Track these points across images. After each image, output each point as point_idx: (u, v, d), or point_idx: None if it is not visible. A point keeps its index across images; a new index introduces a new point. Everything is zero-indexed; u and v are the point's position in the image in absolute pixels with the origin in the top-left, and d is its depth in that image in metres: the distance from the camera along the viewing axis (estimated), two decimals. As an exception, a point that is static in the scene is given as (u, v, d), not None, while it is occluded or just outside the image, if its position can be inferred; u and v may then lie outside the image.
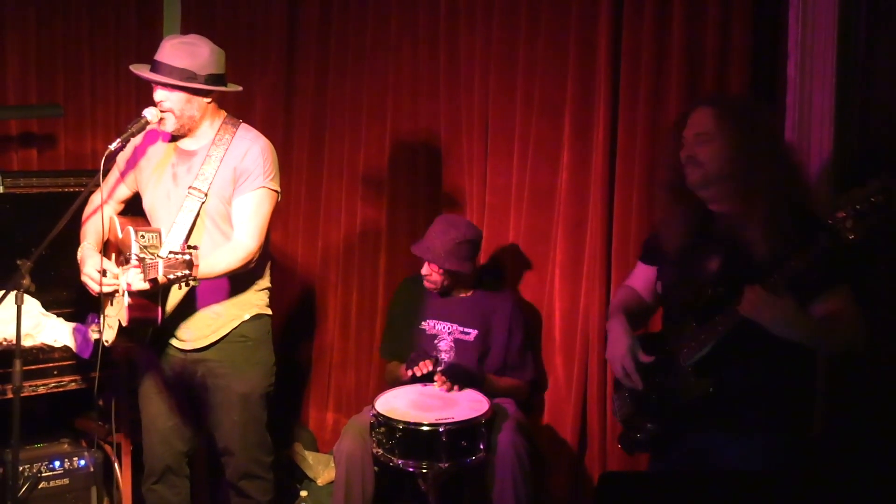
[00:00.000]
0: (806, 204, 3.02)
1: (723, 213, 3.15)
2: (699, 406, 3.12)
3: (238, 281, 3.93)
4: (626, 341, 3.31)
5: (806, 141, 3.71)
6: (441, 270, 4.43)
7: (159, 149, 3.94)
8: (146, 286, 3.49)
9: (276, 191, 3.89)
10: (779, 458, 3.06)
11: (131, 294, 3.62)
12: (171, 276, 3.32)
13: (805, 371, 3.10)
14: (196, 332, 3.95)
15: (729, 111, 3.11)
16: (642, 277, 3.54)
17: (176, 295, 3.85)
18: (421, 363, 4.34)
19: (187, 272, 3.30)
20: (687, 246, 3.25)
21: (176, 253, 3.31)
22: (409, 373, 4.35)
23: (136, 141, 3.91)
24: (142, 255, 3.43)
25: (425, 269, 4.47)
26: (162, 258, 3.34)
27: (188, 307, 3.91)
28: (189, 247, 3.34)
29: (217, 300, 3.93)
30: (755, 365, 3.06)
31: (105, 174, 3.90)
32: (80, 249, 3.93)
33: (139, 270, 3.45)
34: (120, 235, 3.84)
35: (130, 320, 3.65)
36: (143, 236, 3.64)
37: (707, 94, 3.88)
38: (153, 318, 3.71)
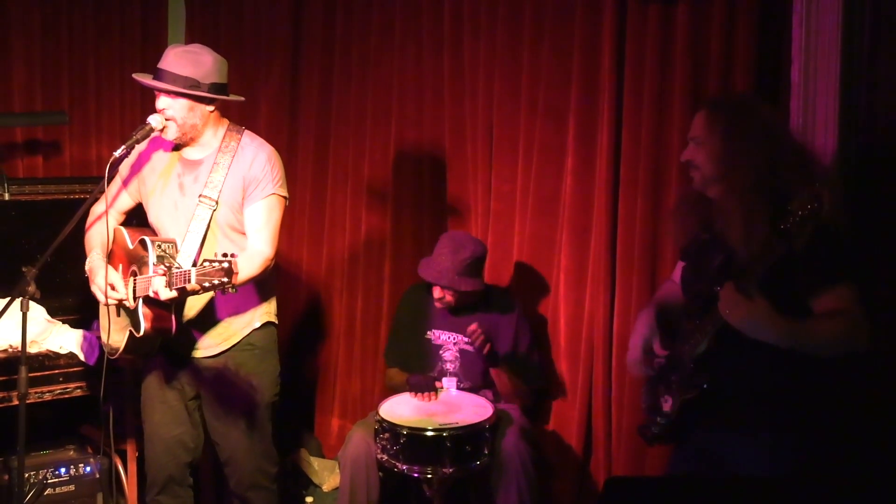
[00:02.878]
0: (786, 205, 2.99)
1: (720, 211, 3.17)
2: (700, 402, 3.15)
3: (252, 289, 3.93)
4: (643, 332, 3.39)
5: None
6: (453, 293, 4.43)
7: (163, 158, 3.93)
8: (173, 294, 3.46)
9: (284, 196, 3.89)
10: (787, 458, 3.06)
11: (147, 304, 3.61)
12: (207, 284, 3.29)
13: (812, 370, 3.09)
14: (208, 341, 3.93)
15: (719, 114, 3.15)
16: (680, 273, 3.57)
17: (190, 305, 3.84)
18: (426, 394, 4.36)
19: (226, 280, 3.28)
20: (701, 242, 3.28)
21: (212, 261, 3.29)
22: (413, 395, 4.38)
23: (139, 148, 3.90)
24: (167, 264, 3.42)
25: (437, 293, 4.44)
26: (183, 267, 3.35)
27: (202, 316, 3.89)
28: (224, 254, 3.32)
29: (232, 308, 3.92)
30: (752, 362, 3.06)
31: (109, 181, 3.89)
32: (88, 261, 3.91)
33: (165, 279, 3.43)
34: (130, 246, 3.82)
35: (146, 330, 3.63)
36: (159, 246, 3.64)
37: (709, 98, 3.89)
38: (168, 328, 3.69)
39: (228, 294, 3.41)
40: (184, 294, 3.51)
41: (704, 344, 3.12)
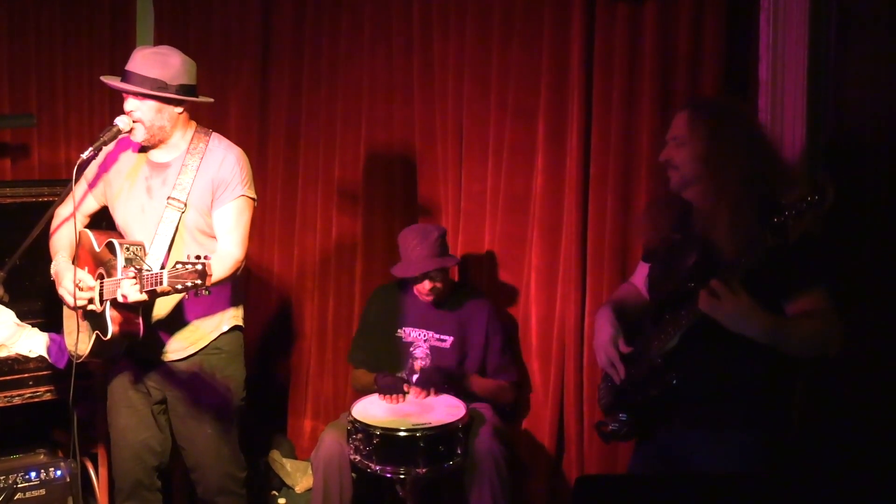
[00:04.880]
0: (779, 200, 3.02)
1: (700, 211, 3.18)
2: (668, 399, 3.16)
3: (221, 293, 3.90)
4: (609, 331, 3.37)
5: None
6: (440, 276, 4.42)
7: (129, 160, 3.90)
8: (143, 297, 3.43)
9: (253, 198, 3.87)
10: (756, 457, 3.08)
11: (114, 307, 3.59)
12: (180, 286, 3.27)
13: (781, 369, 3.11)
14: (176, 344, 3.90)
15: (701, 115, 3.16)
16: (642, 275, 3.58)
17: (159, 307, 3.81)
18: (395, 396, 4.32)
19: (199, 282, 3.26)
20: (671, 243, 3.29)
21: (185, 263, 3.27)
22: (381, 398, 4.35)
23: (107, 150, 3.88)
24: (137, 267, 3.40)
25: (426, 286, 4.42)
26: (150, 270, 3.32)
27: (170, 319, 3.86)
28: (198, 256, 3.30)
29: (201, 312, 3.89)
30: (723, 360, 3.08)
31: (77, 182, 3.85)
32: (53, 264, 3.87)
33: (135, 281, 3.40)
34: (97, 249, 3.78)
35: (114, 333, 3.60)
36: (127, 249, 3.61)
37: (690, 98, 3.91)
38: (135, 331, 3.65)
39: (199, 296, 3.39)
40: (154, 296, 3.49)
41: (676, 339, 3.12)
